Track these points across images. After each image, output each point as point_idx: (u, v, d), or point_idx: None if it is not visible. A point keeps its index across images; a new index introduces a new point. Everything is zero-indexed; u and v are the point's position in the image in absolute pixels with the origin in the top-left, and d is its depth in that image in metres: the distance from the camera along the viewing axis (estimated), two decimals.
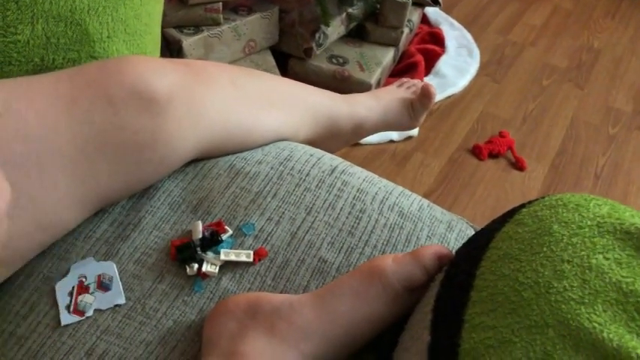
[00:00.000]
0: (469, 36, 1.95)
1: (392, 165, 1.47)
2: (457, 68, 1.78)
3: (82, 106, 0.52)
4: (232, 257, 0.55)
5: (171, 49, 1.37)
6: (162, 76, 0.56)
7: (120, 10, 0.70)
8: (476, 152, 1.53)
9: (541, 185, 1.49)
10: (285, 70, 1.56)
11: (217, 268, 0.55)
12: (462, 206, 1.40)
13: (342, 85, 1.54)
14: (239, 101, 0.65)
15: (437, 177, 1.46)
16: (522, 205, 0.47)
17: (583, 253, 0.39)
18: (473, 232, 0.66)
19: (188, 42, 1.35)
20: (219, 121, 0.61)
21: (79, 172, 0.53)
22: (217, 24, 1.40)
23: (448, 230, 0.63)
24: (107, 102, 0.53)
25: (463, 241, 0.64)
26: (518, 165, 1.52)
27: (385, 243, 0.60)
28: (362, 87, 1.53)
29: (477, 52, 1.89)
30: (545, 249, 0.40)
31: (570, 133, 1.67)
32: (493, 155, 1.54)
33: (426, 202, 0.67)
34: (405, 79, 0.96)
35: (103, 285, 0.53)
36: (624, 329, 0.34)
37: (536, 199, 0.47)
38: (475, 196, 1.43)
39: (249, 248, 0.57)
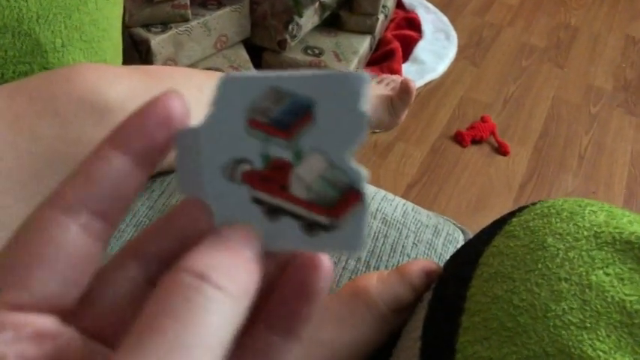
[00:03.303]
0: (445, 19, 1.91)
1: (374, 157, 1.44)
2: (435, 53, 1.75)
3: (27, 121, 0.48)
4: None
5: (139, 49, 1.31)
6: (116, 84, 0.51)
7: (74, 16, 0.65)
8: (458, 139, 1.51)
9: (525, 169, 1.47)
10: (259, 64, 1.51)
11: None
12: (447, 195, 1.37)
13: None
14: (204, 107, 0.60)
15: (420, 167, 1.43)
16: (512, 214, 0.43)
17: (581, 269, 0.36)
18: (461, 235, 0.63)
19: (156, 41, 1.29)
20: None
21: (31, 193, 0.48)
22: (186, 20, 1.35)
23: (435, 235, 0.60)
24: (55, 115, 0.49)
25: (451, 246, 0.61)
26: (501, 150, 1.49)
27: (369, 254, 0.56)
28: None
29: (454, 35, 1.85)
30: (540, 266, 0.37)
31: (552, 114, 1.65)
32: (476, 141, 1.51)
33: (410, 205, 0.64)
34: (384, 75, 0.92)
35: None
36: (630, 356, 0.31)
37: (526, 206, 0.44)
38: (460, 185, 1.40)
39: None
